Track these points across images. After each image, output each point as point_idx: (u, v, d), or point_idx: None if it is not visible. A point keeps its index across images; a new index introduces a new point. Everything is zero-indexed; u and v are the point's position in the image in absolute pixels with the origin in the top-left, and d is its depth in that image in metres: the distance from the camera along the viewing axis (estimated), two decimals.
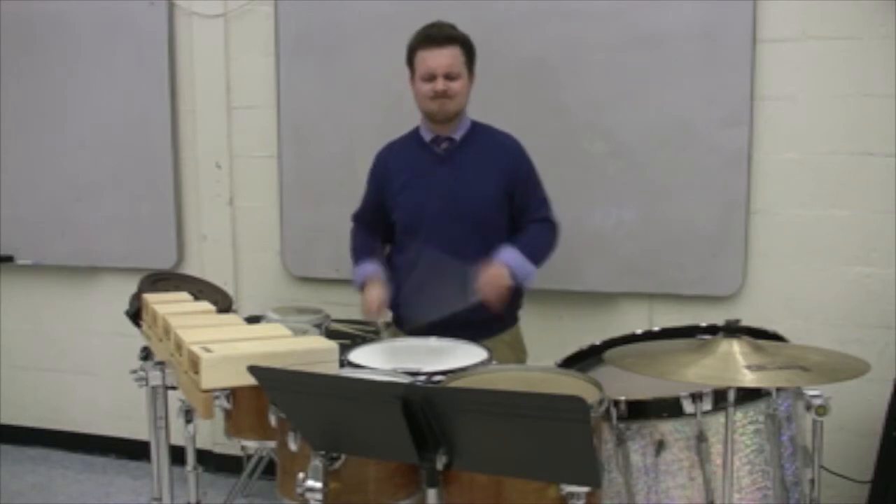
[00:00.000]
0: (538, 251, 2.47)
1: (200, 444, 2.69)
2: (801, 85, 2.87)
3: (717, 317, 2.00)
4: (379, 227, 2.65)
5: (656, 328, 2.43)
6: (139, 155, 3.67)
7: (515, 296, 2.60)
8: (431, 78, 2.42)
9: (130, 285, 2.61)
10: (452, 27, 2.46)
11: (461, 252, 2.41)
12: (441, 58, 2.40)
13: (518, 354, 2.60)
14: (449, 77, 2.41)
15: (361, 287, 2.53)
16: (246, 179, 3.61)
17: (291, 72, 3.42)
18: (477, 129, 2.56)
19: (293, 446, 1.76)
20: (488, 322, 2.45)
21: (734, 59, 2.88)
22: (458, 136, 2.52)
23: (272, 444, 1.99)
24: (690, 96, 2.94)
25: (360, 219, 2.72)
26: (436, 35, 2.42)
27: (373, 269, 2.55)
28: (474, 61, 2.51)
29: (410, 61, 2.48)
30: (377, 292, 2.47)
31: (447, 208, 2.46)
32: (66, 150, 3.76)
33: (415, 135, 2.59)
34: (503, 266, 2.37)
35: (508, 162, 2.52)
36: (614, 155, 3.04)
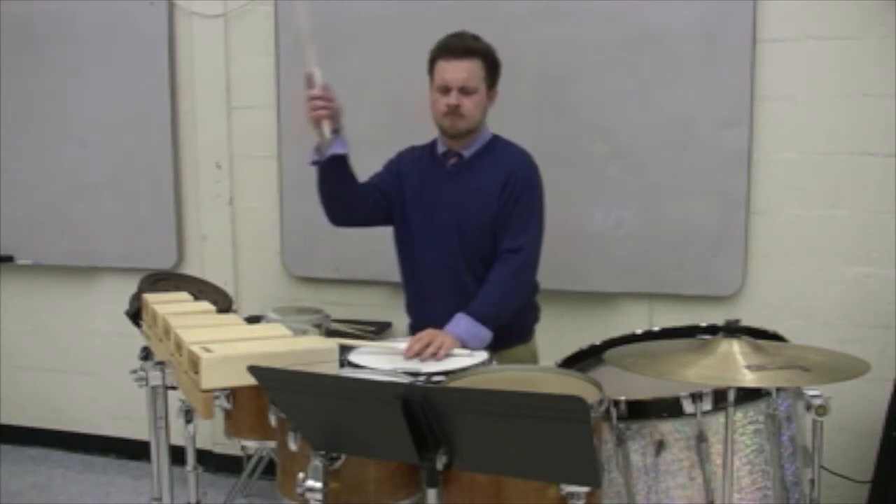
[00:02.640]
0: (494, 309, 2.30)
1: (200, 444, 2.69)
2: (801, 85, 2.87)
3: (717, 317, 2.01)
4: (369, 196, 2.49)
5: (656, 328, 2.43)
6: (139, 155, 3.67)
7: (531, 310, 2.57)
8: (446, 90, 2.32)
9: (130, 285, 2.61)
10: (476, 38, 2.37)
11: (454, 268, 2.40)
12: (457, 71, 2.30)
13: None
14: (464, 91, 2.31)
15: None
16: (246, 179, 3.61)
17: (291, 72, 3.41)
18: (492, 146, 2.46)
19: (293, 446, 1.76)
20: (503, 335, 2.35)
21: (734, 59, 2.88)
22: (468, 153, 2.44)
23: (272, 444, 1.99)
24: (690, 96, 2.94)
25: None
26: (455, 46, 2.33)
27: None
28: (497, 76, 2.41)
29: (430, 70, 2.40)
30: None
31: (446, 224, 2.41)
32: (66, 149, 3.76)
33: (432, 145, 2.53)
34: (451, 335, 2.21)
35: (504, 180, 2.39)
36: (614, 155, 3.04)
